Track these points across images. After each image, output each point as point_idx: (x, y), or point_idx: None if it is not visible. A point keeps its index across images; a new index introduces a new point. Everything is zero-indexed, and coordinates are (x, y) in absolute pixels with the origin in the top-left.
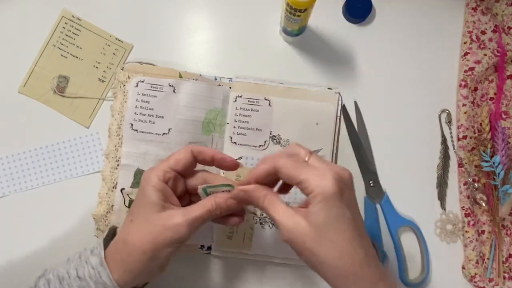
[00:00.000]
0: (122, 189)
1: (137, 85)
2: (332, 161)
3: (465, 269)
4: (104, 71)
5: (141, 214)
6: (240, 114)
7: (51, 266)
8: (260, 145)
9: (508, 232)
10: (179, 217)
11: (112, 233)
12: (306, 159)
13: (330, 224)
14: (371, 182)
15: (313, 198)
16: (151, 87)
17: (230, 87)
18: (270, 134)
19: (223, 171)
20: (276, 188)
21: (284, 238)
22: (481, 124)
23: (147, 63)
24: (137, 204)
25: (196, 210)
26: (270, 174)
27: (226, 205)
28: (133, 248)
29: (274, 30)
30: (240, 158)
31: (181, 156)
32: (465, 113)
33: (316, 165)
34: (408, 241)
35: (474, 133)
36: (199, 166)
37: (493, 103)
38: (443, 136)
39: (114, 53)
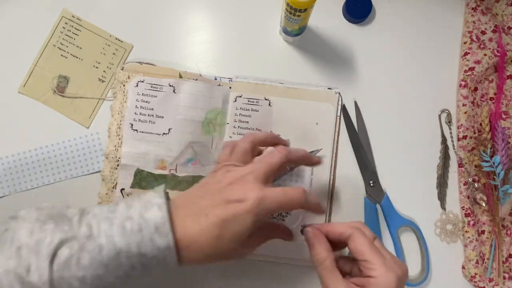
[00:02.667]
0: (122, 189)
1: (137, 85)
2: (332, 161)
3: (465, 269)
4: (104, 71)
5: (227, 236)
6: (240, 114)
7: (91, 213)
8: None
9: (508, 232)
10: (253, 249)
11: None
12: (372, 240)
13: None
14: (371, 182)
15: (373, 285)
16: (151, 87)
17: (230, 87)
18: None
19: None
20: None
21: None
22: (481, 124)
23: (147, 63)
24: (228, 224)
25: (261, 242)
26: (341, 237)
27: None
28: (206, 258)
29: (274, 30)
30: None
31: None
32: (465, 113)
33: (382, 252)
34: (408, 241)
35: (474, 133)
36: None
37: (493, 103)
38: (443, 136)
39: (114, 53)
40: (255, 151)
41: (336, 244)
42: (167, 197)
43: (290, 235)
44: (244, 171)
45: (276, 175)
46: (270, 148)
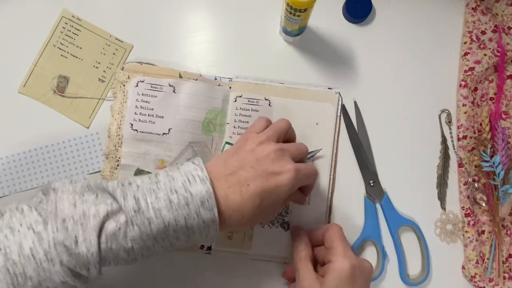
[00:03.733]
0: None
1: (137, 85)
2: (332, 161)
3: (465, 269)
4: (104, 71)
5: (267, 204)
6: (240, 114)
7: (135, 184)
8: None
9: (508, 232)
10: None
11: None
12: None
13: None
14: (371, 182)
15: (331, 270)
16: (151, 87)
17: (230, 87)
18: None
19: None
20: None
21: None
22: (481, 124)
23: (147, 63)
24: (271, 193)
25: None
26: (320, 234)
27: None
28: (247, 223)
29: (274, 30)
30: None
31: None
32: (465, 113)
33: (350, 247)
34: (408, 240)
35: (474, 133)
36: None
37: (493, 103)
38: (443, 136)
39: (114, 53)
40: (286, 136)
41: (317, 244)
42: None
43: (304, 200)
44: (281, 146)
45: None
46: None
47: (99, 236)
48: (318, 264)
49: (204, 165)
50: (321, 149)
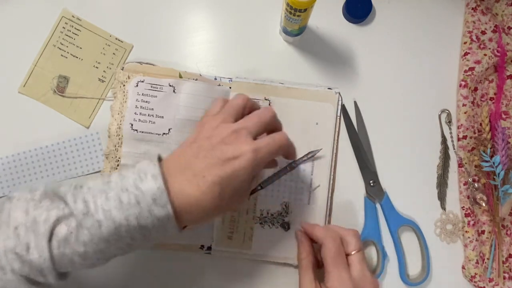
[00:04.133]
0: None
1: (137, 85)
2: (332, 161)
3: (465, 269)
4: (104, 71)
5: (228, 192)
6: None
7: (86, 186)
8: None
9: (508, 232)
10: (248, 196)
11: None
12: (352, 253)
13: None
14: (371, 182)
15: None
16: (151, 87)
17: (230, 87)
18: None
19: None
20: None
21: None
22: (481, 124)
23: (147, 63)
24: (230, 181)
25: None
26: (318, 241)
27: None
28: (211, 215)
29: (274, 30)
30: None
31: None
32: (465, 113)
33: (352, 265)
34: (408, 240)
35: (474, 133)
36: None
37: (493, 103)
38: (443, 136)
39: (114, 53)
40: (245, 111)
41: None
42: (161, 163)
43: (275, 164)
44: (235, 127)
45: (275, 176)
46: None
47: (49, 241)
48: (320, 264)
49: (159, 161)
50: (321, 149)
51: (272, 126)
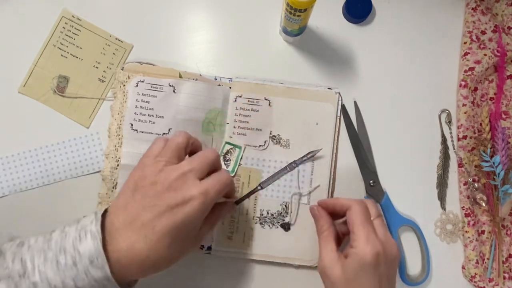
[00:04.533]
0: None
1: (137, 85)
2: (332, 161)
3: (465, 269)
4: (104, 71)
5: (181, 239)
6: (240, 114)
7: (26, 245)
8: (260, 145)
9: (508, 232)
10: (208, 232)
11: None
12: (372, 218)
13: (357, 283)
14: (371, 182)
15: (353, 255)
16: (151, 87)
17: (230, 87)
18: (270, 134)
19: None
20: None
21: (320, 271)
22: (481, 124)
23: (147, 63)
24: (179, 229)
25: (215, 222)
26: (343, 209)
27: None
28: (162, 267)
29: (274, 30)
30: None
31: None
32: (465, 113)
33: (376, 228)
34: (408, 241)
35: (474, 133)
36: None
37: (493, 103)
38: (443, 136)
39: (114, 53)
40: (187, 149)
41: (341, 217)
42: (106, 218)
43: (233, 208)
44: (181, 170)
45: (275, 177)
46: None
47: None
48: (341, 238)
49: (102, 216)
50: (321, 149)
51: (215, 166)
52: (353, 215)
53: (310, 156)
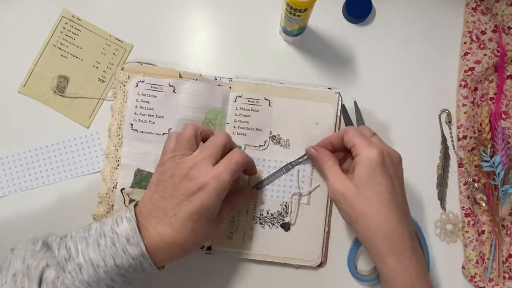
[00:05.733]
0: (122, 189)
1: (137, 85)
2: None
3: (465, 269)
4: (104, 71)
5: (202, 223)
6: (240, 114)
7: (70, 236)
8: (260, 145)
9: (508, 232)
10: (226, 220)
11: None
12: (369, 136)
13: (370, 185)
14: None
15: (359, 162)
16: (151, 87)
17: (230, 87)
18: (270, 134)
19: None
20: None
21: (332, 195)
22: (481, 124)
23: (147, 63)
24: (201, 213)
25: (234, 209)
26: (340, 138)
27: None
28: (188, 250)
29: (274, 30)
30: None
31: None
32: (465, 113)
33: (373, 140)
34: None
35: (474, 133)
36: None
37: (493, 103)
38: (443, 136)
39: (114, 53)
40: (198, 138)
41: (340, 152)
42: (136, 208)
43: (255, 195)
44: (194, 159)
45: (271, 178)
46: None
47: (39, 285)
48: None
49: (134, 207)
50: (305, 156)
51: (228, 148)
52: (350, 134)
53: (306, 158)
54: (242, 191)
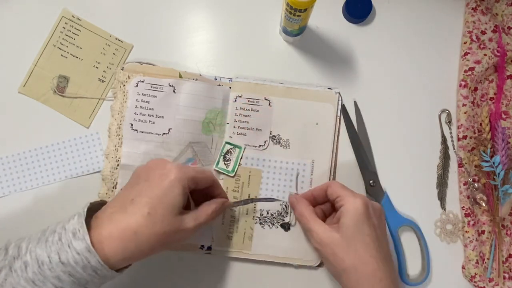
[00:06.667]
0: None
1: (137, 85)
2: (332, 162)
3: (465, 269)
4: (104, 71)
5: (161, 211)
6: (240, 114)
7: (27, 238)
8: (260, 145)
9: (508, 232)
10: (191, 222)
11: (94, 208)
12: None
13: (357, 235)
14: (371, 182)
15: (345, 212)
16: (151, 87)
17: (230, 87)
18: (270, 134)
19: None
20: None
21: (318, 247)
22: (481, 124)
23: (147, 63)
24: (160, 199)
25: (202, 216)
26: (323, 190)
27: (223, 208)
28: (144, 243)
29: (274, 30)
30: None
31: (208, 180)
32: (465, 113)
33: (356, 193)
34: (408, 240)
35: (474, 133)
36: None
37: (493, 103)
38: (443, 136)
39: (114, 53)
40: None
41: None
42: (101, 203)
43: (222, 207)
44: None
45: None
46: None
47: None
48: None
49: (92, 203)
50: (281, 200)
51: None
52: (334, 186)
53: (269, 200)
54: (208, 204)
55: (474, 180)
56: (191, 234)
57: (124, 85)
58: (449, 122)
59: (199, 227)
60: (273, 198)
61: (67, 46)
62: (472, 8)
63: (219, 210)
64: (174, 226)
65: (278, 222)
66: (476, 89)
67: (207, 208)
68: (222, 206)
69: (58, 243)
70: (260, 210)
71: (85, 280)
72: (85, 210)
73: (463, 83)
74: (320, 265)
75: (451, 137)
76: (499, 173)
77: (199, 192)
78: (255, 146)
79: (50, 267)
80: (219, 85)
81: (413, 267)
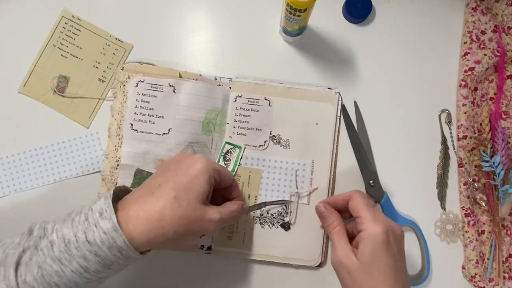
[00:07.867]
0: None
1: (137, 85)
2: (332, 161)
3: (465, 269)
4: (104, 71)
5: (187, 196)
6: (240, 114)
7: (52, 220)
8: (260, 145)
9: (508, 232)
10: (216, 214)
11: (121, 192)
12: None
13: (376, 265)
14: (371, 182)
15: (365, 238)
16: (151, 87)
17: (230, 87)
18: (270, 134)
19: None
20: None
21: (335, 265)
22: (481, 124)
23: (147, 63)
24: (186, 185)
25: (226, 213)
26: (345, 201)
27: (242, 210)
28: (168, 225)
29: (274, 30)
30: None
31: (230, 178)
32: (465, 113)
33: (378, 212)
34: (408, 241)
35: (474, 133)
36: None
37: (493, 103)
38: (443, 136)
39: (114, 53)
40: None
41: (345, 212)
42: (126, 190)
43: (243, 208)
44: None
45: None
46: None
47: (16, 271)
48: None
49: (118, 188)
50: (291, 201)
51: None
52: (356, 201)
53: (281, 203)
54: (230, 202)
55: (474, 180)
56: (215, 228)
57: (124, 85)
58: (449, 122)
59: (223, 222)
60: (284, 200)
61: (67, 46)
62: (472, 8)
63: (240, 211)
64: (198, 213)
65: (278, 222)
66: (476, 89)
67: (231, 206)
68: (242, 208)
69: (85, 222)
70: (260, 210)
71: (110, 261)
72: (111, 192)
73: (463, 83)
74: (320, 265)
75: (451, 137)
76: (499, 173)
77: (218, 193)
78: (255, 146)
79: (77, 246)
80: (219, 85)
81: (413, 267)
